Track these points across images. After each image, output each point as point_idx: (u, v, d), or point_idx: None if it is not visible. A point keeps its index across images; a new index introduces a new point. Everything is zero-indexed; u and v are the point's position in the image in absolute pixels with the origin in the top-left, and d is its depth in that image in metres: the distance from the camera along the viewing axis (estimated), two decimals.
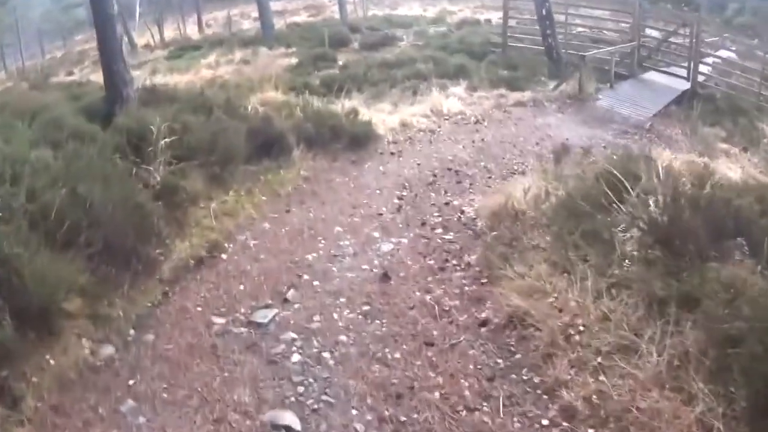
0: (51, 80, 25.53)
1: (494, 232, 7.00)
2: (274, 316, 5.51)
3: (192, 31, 39.29)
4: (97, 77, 26.12)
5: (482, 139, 11.65)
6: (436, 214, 8.06)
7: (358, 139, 10.36)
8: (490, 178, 9.71)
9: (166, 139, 7.27)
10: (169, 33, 39.28)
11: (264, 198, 8.04)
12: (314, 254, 6.73)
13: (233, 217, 7.31)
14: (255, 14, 34.63)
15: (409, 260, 6.71)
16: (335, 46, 25.71)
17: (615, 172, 6.73)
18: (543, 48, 20.04)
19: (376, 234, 7.33)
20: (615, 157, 9.87)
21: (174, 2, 42.05)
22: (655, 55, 20.93)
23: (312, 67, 21.45)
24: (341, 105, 11.91)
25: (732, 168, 10.64)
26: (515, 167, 10.32)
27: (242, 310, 5.61)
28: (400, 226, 7.62)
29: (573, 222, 6.34)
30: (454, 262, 6.69)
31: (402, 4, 45.22)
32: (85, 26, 40.50)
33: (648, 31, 21.71)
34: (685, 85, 18.66)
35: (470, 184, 9.33)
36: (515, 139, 11.99)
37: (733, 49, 23.54)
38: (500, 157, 10.74)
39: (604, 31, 25.14)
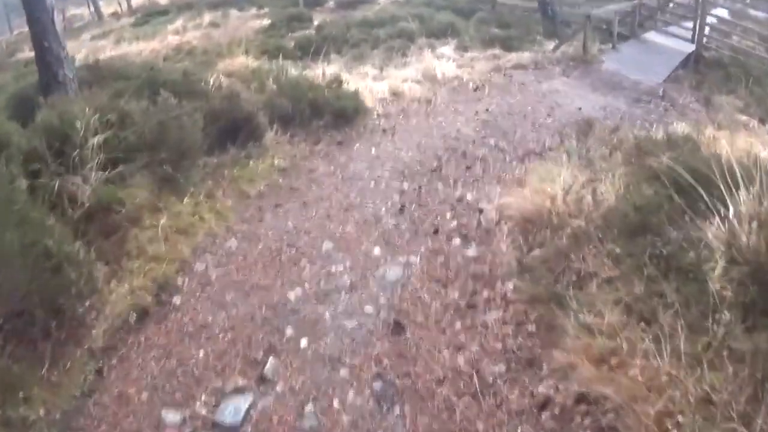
0: (15, 57, 23.88)
1: (534, 251, 5.13)
2: (248, 411, 3.70)
3: None
4: None
5: (486, 110, 9.69)
6: (448, 215, 6.15)
7: (343, 115, 8.31)
8: (504, 160, 7.80)
9: (99, 137, 5.24)
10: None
11: (229, 202, 6.01)
12: (298, 290, 4.81)
13: (189, 236, 5.31)
14: None
15: (426, 293, 4.83)
16: (310, 5, 23.82)
17: (677, 168, 4.82)
18: (536, 5, 18.08)
19: (377, 251, 5.40)
20: (653, 136, 8.25)
21: None
22: (657, 15, 19.03)
23: (286, 28, 19.44)
24: (321, 71, 9.87)
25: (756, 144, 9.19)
26: (530, 145, 8.43)
27: (203, 398, 3.80)
28: (407, 235, 5.69)
29: (637, 241, 4.58)
30: (486, 293, 4.83)
31: None
32: None
33: None
34: (690, 47, 16.90)
35: (483, 170, 7.41)
36: (523, 108, 10.06)
37: (727, 7, 21.70)
38: (511, 132, 8.82)
39: None
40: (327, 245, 5.41)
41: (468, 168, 7.42)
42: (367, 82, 10.20)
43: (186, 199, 5.65)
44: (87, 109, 5.35)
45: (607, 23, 16.35)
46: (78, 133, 5.12)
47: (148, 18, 27.23)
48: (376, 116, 8.96)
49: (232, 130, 6.89)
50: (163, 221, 5.24)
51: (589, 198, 5.61)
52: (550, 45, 15.05)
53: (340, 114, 8.24)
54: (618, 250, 4.65)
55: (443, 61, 12.62)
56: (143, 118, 5.69)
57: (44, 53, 6.98)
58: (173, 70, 8.21)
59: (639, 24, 17.90)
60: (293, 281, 4.89)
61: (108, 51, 19.82)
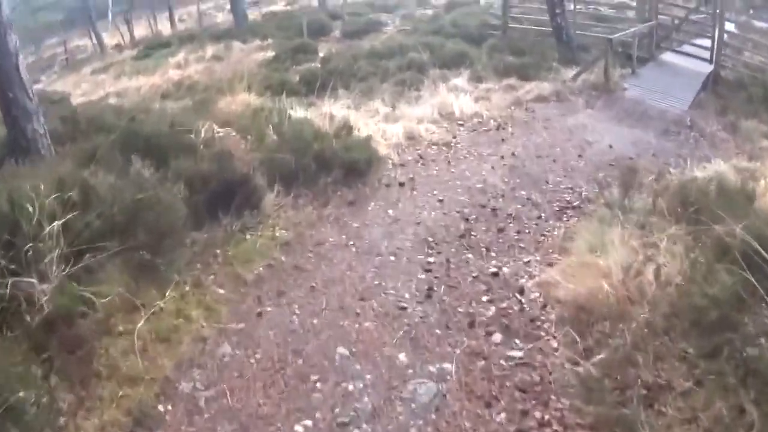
0: None
1: (593, 356, 4.05)
2: None
3: (164, 27, 35.59)
4: (63, 84, 23.54)
5: (512, 153, 8.63)
6: (484, 298, 5.06)
7: (355, 168, 7.23)
8: (539, 218, 6.76)
9: (57, 223, 4.17)
10: (141, 31, 35.72)
11: (222, 292, 4.86)
12: (307, 421, 3.70)
13: (173, 344, 4.18)
14: (229, 6, 31.09)
15: (466, 419, 3.73)
16: (315, 35, 22.68)
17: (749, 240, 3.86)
18: (549, 29, 16.96)
19: (403, 357, 4.27)
20: (700, 183, 7.21)
21: None
22: (673, 34, 17.97)
23: (290, 61, 18.36)
24: (328, 114, 8.84)
25: None
26: (566, 196, 7.42)
27: None
28: (437, 331, 4.58)
29: (712, 337, 3.67)
30: (538, 414, 3.79)
31: None
32: (58, 29, 37.33)
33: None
34: (707, 67, 15.89)
35: (517, 232, 6.35)
36: (551, 149, 9.02)
37: (732, 20, 20.62)
38: (542, 180, 7.79)
39: (602, 8, 22.18)
40: (341, 351, 4.30)
41: (500, 230, 6.35)
42: (379, 125, 9.15)
43: (169, 292, 4.55)
44: (43, 186, 4.30)
45: (624, 46, 15.30)
46: (30, 220, 4.06)
47: (150, 51, 26.25)
48: (391, 166, 7.89)
49: (225, 195, 5.81)
50: (140, 325, 4.16)
51: (650, 276, 4.54)
52: (568, 72, 13.96)
53: (351, 167, 7.16)
54: (691, 350, 3.71)
55: (459, 95, 11.59)
56: (112, 195, 4.60)
57: (10, 105, 6.03)
58: (160, 118, 7.10)
59: (657, 45, 16.87)
60: (300, 408, 3.78)
61: (107, 86, 19.03)
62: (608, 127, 10.62)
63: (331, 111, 9.42)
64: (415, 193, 7.18)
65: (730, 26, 19.27)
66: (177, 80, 17.79)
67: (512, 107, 11.10)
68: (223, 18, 33.69)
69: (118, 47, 31.78)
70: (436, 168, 7.95)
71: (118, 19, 36.00)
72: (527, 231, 6.40)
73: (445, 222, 6.47)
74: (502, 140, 9.18)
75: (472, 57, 15.29)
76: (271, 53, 20.18)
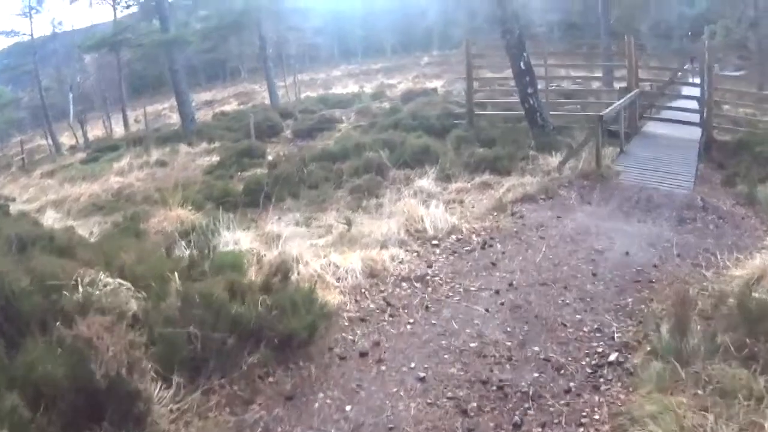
0: None
1: None
2: None
3: (121, 128, 34.28)
4: (12, 189, 21.55)
5: (510, 284, 6.50)
6: None
7: (295, 337, 4.97)
8: (569, 391, 4.57)
9: None
10: (98, 131, 34.49)
11: None
12: None
13: None
14: None
15: None
16: (264, 136, 21.30)
17: None
18: (520, 113, 15.29)
19: None
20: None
21: (112, 96, 37.26)
22: (658, 102, 16.52)
23: (236, 166, 16.74)
24: (269, 231, 6.98)
25: None
26: (596, 345, 5.31)
27: None
28: None
29: None
30: None
31: (336, 84, 41.17)
32: (25, 126, 36.29)
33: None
34: (697, 132, 14.46)
35: (542, 426, 4.17)
36: (557, 270, 6.93)
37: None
38: (557, 324, 5.64)
39: (564, 83, 20.89)
40: None
41: (517, 427, 4.17)
42: (330, 255, 6.98)
43: None
44: None
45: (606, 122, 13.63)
46: None
47: (98, 154, 24.65)
48: (347, 322, 5.66)
49: (93, 406, 3.62)
50: None
51: None
52: (549, 160, 12.15)
53: (288, 338, 4.97)
54: None
55: (427, 201, 9.65)
56: None
57: None
58: (22, 274, 4.87)
59: (640, 116, 15.31)
60: None
61: (51, 193, 17.29)
62: (615, 226, 8.66)
63: (273, 230, 8.03)
64: (383, 368, 4.94)
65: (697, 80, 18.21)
66: (117, 189, 16.05)
67: (494, 213, 9.10)
68: (177, 119, 32.09)
69: (73, 148, 30.75)
70: (411, 320, 5.75)
71: (80, 118, 35.31)
72: (557, 420, 4.23)
73: (433, 420, 4.25)
74: (493, 264, 7.06)
75: (437, 152, 13.60)
76: (216, 158, 18.69)
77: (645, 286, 6.60)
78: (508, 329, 5.53)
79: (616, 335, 5.48)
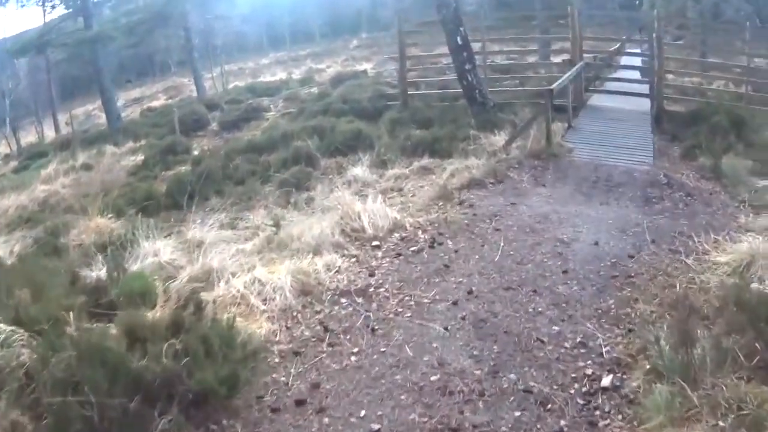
0: None
1: None
2: None
3: (52, 132, 32.78)
4: None
5: (469, 291, 5.52)
6: None
7: (210, 391, 3.89)
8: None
9: None
10: (32, 137, 32.96)
11: None
12: None
13: None
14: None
15: None
16: (189, 130, 20.35)
17: None
18: (457, 90, 14.45)
19: None
20: None
21: (43, 100, 35.23)
22: (604, 74, 15.89)
23: (160, 165, 15.58)
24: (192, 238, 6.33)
25: None
26: (582, 366, 4.43)
27: None
28: None
29: None
30: None
31: (264, 72, 39.76)
32: None
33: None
34: (647, 103, 13.79)
35: None
36: (521, 270, 5.98)
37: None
38: (532, 340, 4.70)
39: (498, 58, 20.16)
40: None
41: None
42: (255, 271, 5.85)
43: None
44: None
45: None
46: None
47: (29, 161, 23.05)
48: (278, 359, 4.60)
49: None
50: None
51: None
52: (492, 139, 11.24)
53: (205, 392, 3.88)
54: None
55: (363, 192, 8.88)
56: None
57: None
58: None
59: (585, 89, 14.62)
60: None
61: None
62: (577, 210, 7.81)
63: (196, 236, 7.05)
64: (326, 420, 3.87)
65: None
66: (44, 198, 14.53)
67: (440, 203, 8.16)
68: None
69: (7, 157, 28.71)
70: (355, 349, 4.69)
71: (17, 125, 33.68)
72: None
73: None
74: (446, 267, 6.06)
75: (370, 136, 12.77)
76: (141, 157, 17.45)
77: (625, 283, 5.75)
78: (475, 352, 4.56)
79: (604, 350, 4.59)
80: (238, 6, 44.09)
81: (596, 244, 6.67)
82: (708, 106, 12.94)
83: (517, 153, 10.18)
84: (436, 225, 7.24)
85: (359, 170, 10.44)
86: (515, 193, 8.49)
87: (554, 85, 11.06)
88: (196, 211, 8.93)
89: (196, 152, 16.51)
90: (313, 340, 4.87)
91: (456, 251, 6.47)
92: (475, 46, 14.94)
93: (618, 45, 17.15)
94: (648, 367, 4.21)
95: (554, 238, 6.83)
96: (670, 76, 14.97)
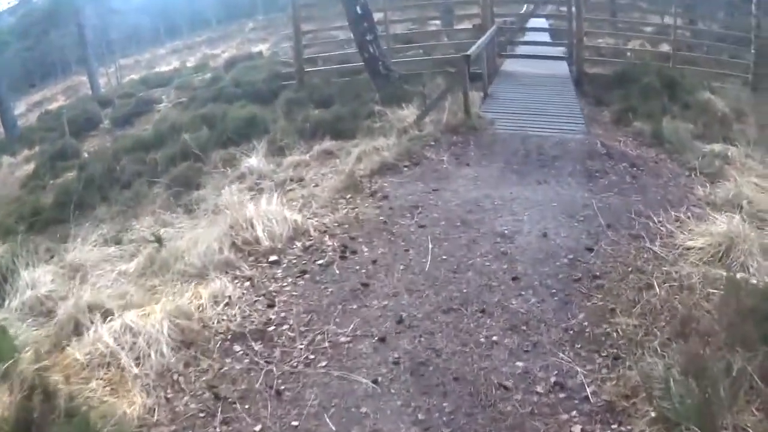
0: None
1: None
2: None
3: None
4: None
5: (399, 321, 4.22)
6: None
7: None
8: None
9: None
10: None
11: None
12: None
13: None
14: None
15: None
16: (82, 131, 18.81)
17: None
18: (358, 64, 13.30)
19: None
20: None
21: None
22: (517, 37, 14.97)
23: (50, 173, 14.10)
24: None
25: None
26: (568, 422, 3.28)
27: None
28: None
29: None
30: None
31: (160, 62, 37.56)
32: None
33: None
34: (564, 67, 13.07)
35: None
36: (461, 282, 4.73)
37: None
38: (492, 389, 3.50)
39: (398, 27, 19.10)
40: None
41: None
42: (126, 315, 4.30)
43: None
44: None
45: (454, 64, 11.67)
46: None
47: None
48: None
49: None
50: None
51: None
52: (400, 114, 10.01)
53: None
54: None
55: (259, 184, 8.00)
56: None
57: None
58: None
59: (498, 54, 13.63)
60: None
61: None
62: (513, 193, 6.64)
63: (77, 257, 5.82)
64: None
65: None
66: None
67: (348, 195, 6.84)
68: None
69: None
70: (257, 427, 3.35)
71: None
72: None
73: None
74: (364, 286, 4.73)
75: (265, 121, 11.59)
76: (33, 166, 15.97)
77: (592, 287, 4.64)
78: (420, 415, 3.32)
79: (589, 391, 3.45)
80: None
81: (545, 235, 5.52)
82: (634, 67, 12.20)
83: (431, 129, 8.95)
84: (346, 226, 5.90)
85: (254, 161, 9.19)
86: (436, 177, 7.24)
87: (470, 51, 9.87)
88: (81, 223, 8.01)
89: (86, 154, 15.01)
90: (202, 415, 3.49)
91: (374, 261, 5.17)
92: (377, 16, 13.89)
93: (531, 6, 16.20)
94: (653, 414, 3.10)
95: (492, 231, 5.63)
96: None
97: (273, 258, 5.33)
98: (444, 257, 5.16)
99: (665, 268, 4.88)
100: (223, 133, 11.19)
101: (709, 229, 5.40)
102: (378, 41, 12.77)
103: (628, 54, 14.15)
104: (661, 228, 5.74)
